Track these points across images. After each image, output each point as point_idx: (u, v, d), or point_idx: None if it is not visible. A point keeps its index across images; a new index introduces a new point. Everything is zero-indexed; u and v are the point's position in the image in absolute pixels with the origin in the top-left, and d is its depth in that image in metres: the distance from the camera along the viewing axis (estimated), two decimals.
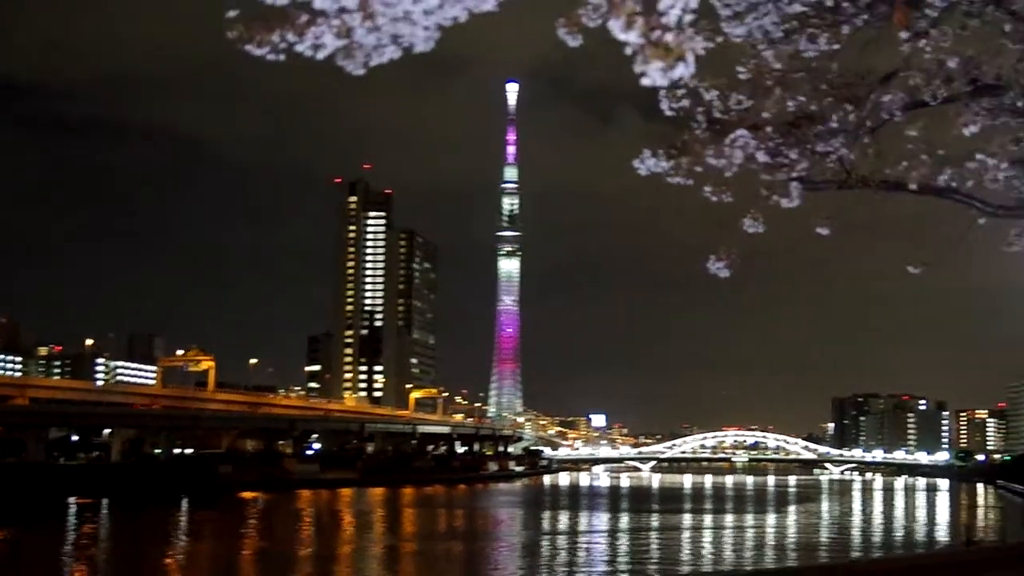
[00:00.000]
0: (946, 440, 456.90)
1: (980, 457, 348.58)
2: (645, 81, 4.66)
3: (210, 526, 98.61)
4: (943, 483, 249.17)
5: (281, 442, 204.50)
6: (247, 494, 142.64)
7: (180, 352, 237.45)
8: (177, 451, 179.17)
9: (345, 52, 4.62)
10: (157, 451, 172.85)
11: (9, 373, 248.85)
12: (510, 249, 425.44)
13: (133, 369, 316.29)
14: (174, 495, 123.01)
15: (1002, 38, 9.71)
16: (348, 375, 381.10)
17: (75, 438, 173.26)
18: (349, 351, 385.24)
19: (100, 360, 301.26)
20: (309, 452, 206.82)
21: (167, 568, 67.26)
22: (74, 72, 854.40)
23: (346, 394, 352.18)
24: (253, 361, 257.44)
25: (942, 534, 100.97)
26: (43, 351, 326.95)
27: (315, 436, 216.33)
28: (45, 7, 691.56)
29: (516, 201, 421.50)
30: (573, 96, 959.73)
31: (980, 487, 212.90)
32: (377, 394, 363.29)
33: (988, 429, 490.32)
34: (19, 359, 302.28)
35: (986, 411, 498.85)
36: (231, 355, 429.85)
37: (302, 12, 4.48)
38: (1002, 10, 9.55)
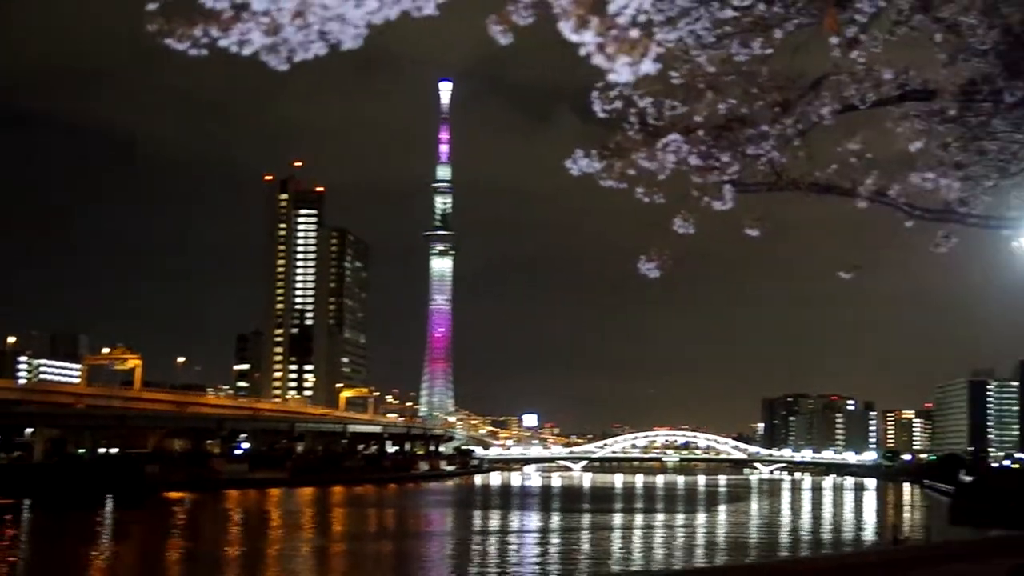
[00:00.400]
0: (874, 440, 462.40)
1: (907, 457, 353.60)
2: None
3: (135, 527, 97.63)
4: (871, 482, 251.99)
5: (209, 442, 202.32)
6: (174, 494, 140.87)
7: (106, 350, 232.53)
8: (102, 451, 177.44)
9: (269, 48, 4.56)
10: (81, 451, 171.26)
11: None
12: (443, 248, 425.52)
13: (57, 368, 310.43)
14: (99, 496, 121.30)
15: (931, 45, 9.87)
16: (278, 374, 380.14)
17: None
18: (279, 350, 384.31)
19: (22, 358, 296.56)
20: (238, 452, 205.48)
21: (90, 571, 66.36)
22: None
23: (276, 393, 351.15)
24: (181, 360, 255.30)
25: (869, 533, 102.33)
26: None
27: (244, 436, 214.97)
28: None
29: (449, 200, 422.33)
30: (508, 95, 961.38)
31: (907, 486, 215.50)
32: (307, 393, 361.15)
33: (915, 429, 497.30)
34: None
35: (913, 412, 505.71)
36: (159, 354, 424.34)
37: (227, 7, 4.41)
38: (930, 18, 9.71)
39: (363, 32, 4.65)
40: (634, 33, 4.40)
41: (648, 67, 4.48)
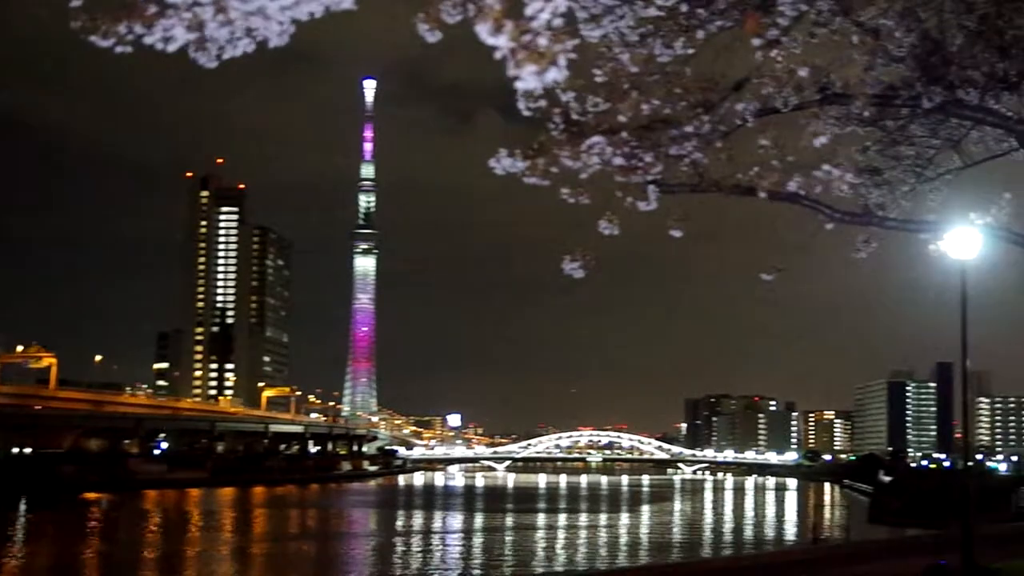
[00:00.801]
0: (795, 440, 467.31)
1: (827, 457, 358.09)
2: (519, 85, 4.70)
3: (49, 528, 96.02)
4: (792, 482, 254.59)
5: (127, 441, 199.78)
6: (90, 495, 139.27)
7: (20, 348, 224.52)
8: (15, 450, 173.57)
9: (197, 44, 4.55)
10: None
11: None
12: (366, 247, 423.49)
13: None
14: (11, 496, 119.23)
15: (850, 49, 9.99)
16: (198, 373, 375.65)
17: None
18: (199, 348, 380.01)
19: None
20: (157, 452, 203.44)
21: None
22: None
23: (197, 392, 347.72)
24: (98, 358, 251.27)
25: (791, 532, 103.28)
26: None
27: (163, 435, 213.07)
28: None
29: (373, 199, 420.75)
30: (433, 94, 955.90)
31: (827, 486, 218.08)
32: (228, 392, 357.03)
33: (835, 430, 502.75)
34: None
35: (833, 412, 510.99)
36: (76, 351, 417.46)
37: (151, 3, 4.38)
38: (850, 21, 9.82)
39: (288, 29, 4.66)
40: (543, 41, 4.42)
41: (555, 74, 4.50)
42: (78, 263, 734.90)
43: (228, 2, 4.43)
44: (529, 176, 8.37)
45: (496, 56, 4.54)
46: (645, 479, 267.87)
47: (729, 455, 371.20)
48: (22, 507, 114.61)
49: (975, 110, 10.78)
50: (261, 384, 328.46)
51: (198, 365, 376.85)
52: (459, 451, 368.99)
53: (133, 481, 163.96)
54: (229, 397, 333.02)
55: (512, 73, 4.57)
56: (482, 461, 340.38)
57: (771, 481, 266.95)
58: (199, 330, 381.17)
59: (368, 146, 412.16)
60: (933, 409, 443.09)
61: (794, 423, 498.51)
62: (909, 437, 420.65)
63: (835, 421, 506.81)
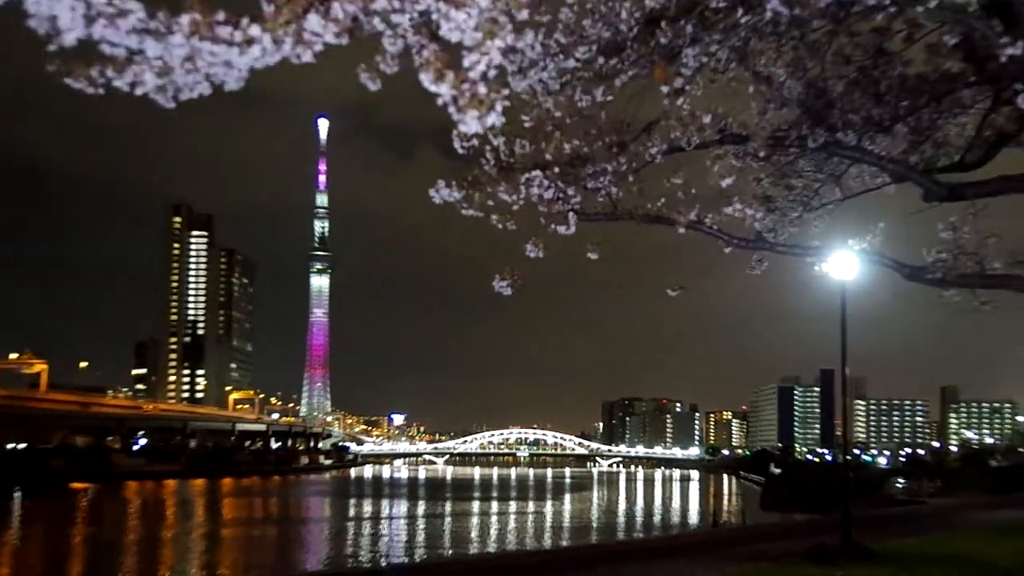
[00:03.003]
0: (698, 437, 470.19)
1: (726, 452, 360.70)
2: (461, 128, 4.69)
3: (41, 514, 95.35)
4: (695, 474, 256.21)
5: (110, 438, 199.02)
6: (78, 485, 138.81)
7: (13, 356, 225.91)
8: (10, 446, 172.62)
9: (159, 88, 4.48)
10: None
11: None
12: (321, 267, 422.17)
13: None
14: (7, 487, 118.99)
15: (746, 95, 10.08)
16: (172, 378, 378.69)
17: None
18: (173, 356, 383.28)
19: None
20: (136, 447, 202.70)
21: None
22: None
23: (171, 395, 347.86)
24: (83, 364, 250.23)
25: (694, 517, 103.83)
26: None
27: (142, 433, 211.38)
28: None
29: (326, 224, 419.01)
30: (379, 132, 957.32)
31: (725, 477, 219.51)
32: (199, 395, 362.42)
33: (733, 428, 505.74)
34: None
35: (731, 413, 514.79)
36: (63, 357, 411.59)
37: (122, 53, 4.31)
38: (745, 70, 9.91)
39: (244, 75, 4.60)
40: (482, 89, 4.43)
41: (494, 119, 4.51)
42: (64, 279, 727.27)
43: (199, 54, 4.37)
44: (466, 208, 8.35)
45: (439, 102, 4.54)
46: (567, 472, 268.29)
47: (640, 450, 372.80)
48: (17, 495, 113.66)
49: (853, 150, 10.91)
50: (228, 388, 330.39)
51: (172, 371, 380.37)
52: (404, 447, 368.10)
53: (116, 473, 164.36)
54: (223, 398, 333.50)
55: (456, 118, 4.57)
56: (424, 456, 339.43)
57: (677, 473, 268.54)
58: (173, 340, 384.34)
59: (322, 178, 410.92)
60: (817, 410, 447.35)
61: (697, 422, 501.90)
62: (796, 434, 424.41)
63: (732, 421, 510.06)
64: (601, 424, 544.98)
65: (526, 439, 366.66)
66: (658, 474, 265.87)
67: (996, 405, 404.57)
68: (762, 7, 8.04)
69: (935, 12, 8.72)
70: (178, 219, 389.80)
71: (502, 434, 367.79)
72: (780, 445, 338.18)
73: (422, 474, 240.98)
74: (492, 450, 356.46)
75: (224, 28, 4.36)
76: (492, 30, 4.48)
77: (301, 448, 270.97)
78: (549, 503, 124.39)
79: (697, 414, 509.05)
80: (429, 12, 4.54)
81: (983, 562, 24.34)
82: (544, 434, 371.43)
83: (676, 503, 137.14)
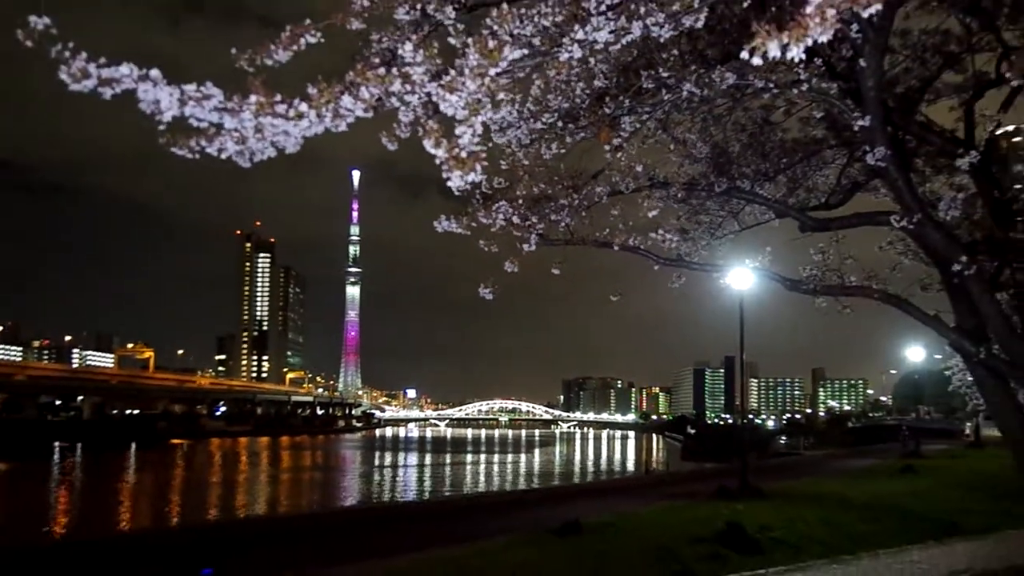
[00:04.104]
0: (634, 406, 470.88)
1: (655, 417, 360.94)
2: (449, 183, 4.81)
3: (151, 461, 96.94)
4: (631, 434, 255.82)
5: (199, 406, 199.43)
6: (176, 441, 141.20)
7: (130, 345, 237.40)
8: (128, 412, 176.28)
9: (239, 153, 4.58)
10: (114, 412, 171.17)
11: (12, 358, 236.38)
12: (353, 280, 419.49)
13: (98, 356, 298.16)
14: (125, 442, 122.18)
15: (668, 152, 10.17)
16: (244, 362, 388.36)
17: (58, 403, 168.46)
18: (245, 346, 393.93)
19: (75, 350, 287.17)
20: (218, 413, 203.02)
21: (122, 486, 66.61)
22: (45, 151, 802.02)
23: (244, 374, 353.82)
24: (180, 352, 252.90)
25: (631, 466, 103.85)
26: (36, 343, 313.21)
27: (222, 403, 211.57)
28: (47, 99, 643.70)
29: (358, 248, 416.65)
30: (397, 179, 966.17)
31: (655, 437, 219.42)
32: (264, 375, 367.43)
33: (660, 399, 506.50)
34: (19, 348, 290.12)
35: (659, 388, 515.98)
36: (165, 347, 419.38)
37: (209, 126, 4.43)
38: (667, 135, 10.02)
39: (300, 141, 4.74)
40: (465, 155, 4.53)
41: (473, 177, 4.61)
42: (167, 290, 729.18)
43: (264, 127, 4.45)
44: (457, 228, 8.37)
45: (436, 161, 4.64)
46: (536, 432, 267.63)
47: (591, 416, 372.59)
48: (132, 448, 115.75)
49: (748, 194, 11.01)
50: (285, 369, 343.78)
51: (244, 357, 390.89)
52: (415, 414, 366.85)
53: (203, 432, 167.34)
54: (290, 378, 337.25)
55: (445, 175, 4.66)
56: (430, 420, 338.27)
57: (618, 433, 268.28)
58: (245, 334, 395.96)
59: (355, 213, 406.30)
60: (722, 386, 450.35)
61: (633, 395, 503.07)
62: (707, 404, 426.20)
63: (660, 394, 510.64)
64: (562, 396, 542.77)
65: (506, 408, 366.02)
66: (604, 434, 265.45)
67: (853, 382, 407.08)
68: (680, 88, 8.14)
69: (806, 93, 8.94)
70: (248, 244, 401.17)
71: (488, 404, 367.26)
72: (695, 412, 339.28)
73: (429, 434, 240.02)
74: (481, 416, 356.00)
75: (281, 106, 4.43)
76: (476, 108, 4.56)
77: (339, 415, 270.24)
78: (523, 455, 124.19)
79: (633, 389, 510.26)
80: (431, 94, 4.60)
81: (844, 497, 24.47)
82: (519, 404, 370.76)
83: (617, 456, 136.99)
